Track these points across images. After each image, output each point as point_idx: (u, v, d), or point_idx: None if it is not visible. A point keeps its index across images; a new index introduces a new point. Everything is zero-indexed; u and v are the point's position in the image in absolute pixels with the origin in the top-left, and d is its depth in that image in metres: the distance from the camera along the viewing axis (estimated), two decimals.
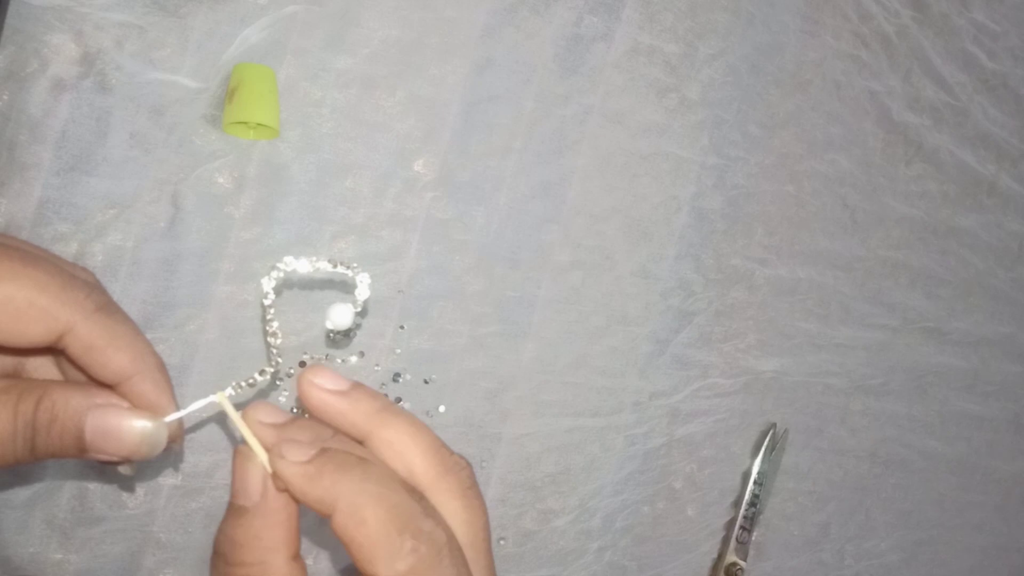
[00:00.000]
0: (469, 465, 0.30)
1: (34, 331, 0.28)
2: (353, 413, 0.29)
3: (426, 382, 0.49)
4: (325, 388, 0.29)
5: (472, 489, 0.29)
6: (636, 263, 0.55)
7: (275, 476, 0.27)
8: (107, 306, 0.30)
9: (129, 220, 0.42)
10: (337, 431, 0.29)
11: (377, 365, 0.48)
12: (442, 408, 0.50)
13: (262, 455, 0.28)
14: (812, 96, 0.60)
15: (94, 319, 0.29)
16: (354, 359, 0.47)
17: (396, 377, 0.48)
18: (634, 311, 0.55)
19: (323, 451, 0.27)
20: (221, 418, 0.44)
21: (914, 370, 0.68)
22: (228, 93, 0.42)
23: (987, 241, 0.71)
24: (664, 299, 0.56)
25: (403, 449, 0.28)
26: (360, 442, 0.29)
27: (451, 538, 0.27)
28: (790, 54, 0.59)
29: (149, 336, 0.32)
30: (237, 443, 0.31)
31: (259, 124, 0.43)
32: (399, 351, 0.48)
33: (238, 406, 0.30)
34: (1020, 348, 0.74)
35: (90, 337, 0.29)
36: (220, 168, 0.43)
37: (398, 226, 0.48)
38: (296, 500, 0.27)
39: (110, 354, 0.29)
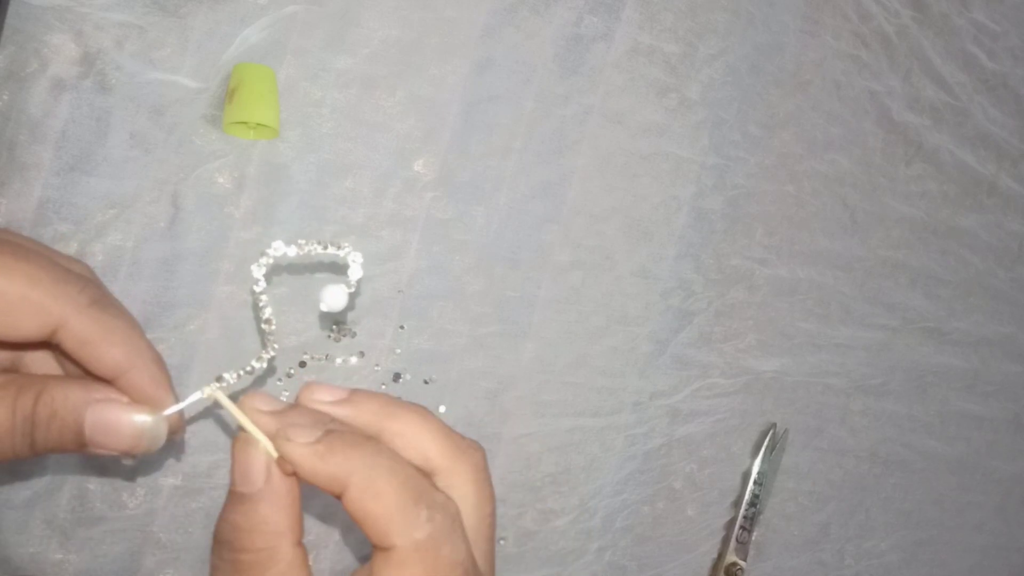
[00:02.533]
0: (481, 448, 0.30)
1: (27, 325, 0.28)
2: (359, 416, 0.29)
3: (426, 382, 0.49)
4: (326, 402, 0.29)
5: (484, 472, 0.30)
6: (636, 263, 0.55)
7: (281, 460, 0.27)
8: (101, 300, 0.30)
9: (129, 220, 0.42)
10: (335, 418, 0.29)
11: (377, 365, 0.48)
12: (442, 408, 0.50)
13: (264, 441, 0.28)
14: (812, 96, 0.60)
15: (88, 313, 0.29)
16: (354, 359, 0.47)
17: (396, 377, 0.48)
18: (634, 311, 0.55)
19: (329, 431, 0.27)
20: (221, 418, 0.44)
21: (914, 370, 0.68)
22: (228, 93, 0.42)
23: (987, 241, 0.71)
24: (664, 299, 0.56)
25: (415, 437, 0.29)
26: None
27: (459, 513, 0.27)
28: (790, 54, 0.59)
29: (149, 336, 0.32)
30: (235, 433, 0.31)
31: (259, 124, 0.43)
32: (399, 351, 0.48)
33: (235, 397, 0.30)
34: (1020, 348, 0.74)
35: (84, 332, 0.29)
36: (220, 168, 0.43)
37: (398, 226, 0.48)
38: (305, 481, 0.27)
39: (104, 349, 0.29)
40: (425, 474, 0.28)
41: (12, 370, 0.32)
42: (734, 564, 0.60)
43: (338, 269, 0.45)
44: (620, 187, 0.54)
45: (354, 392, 0.30)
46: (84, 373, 0.31)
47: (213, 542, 0.28)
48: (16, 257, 0.28)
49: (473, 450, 0.30)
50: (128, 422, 0.29)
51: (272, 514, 0.27)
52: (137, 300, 0.42)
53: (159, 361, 0.31)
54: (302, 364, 0.46)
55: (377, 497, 0.26)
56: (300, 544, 0.28)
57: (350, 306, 0.47)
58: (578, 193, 0.52)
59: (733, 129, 0.57)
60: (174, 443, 0.34)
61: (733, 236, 0.58)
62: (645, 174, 0.54)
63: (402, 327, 0.48)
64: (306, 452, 0.27)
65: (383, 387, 0.48)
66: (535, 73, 0.50)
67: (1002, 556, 0.76)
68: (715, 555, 0.60)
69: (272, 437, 0.28)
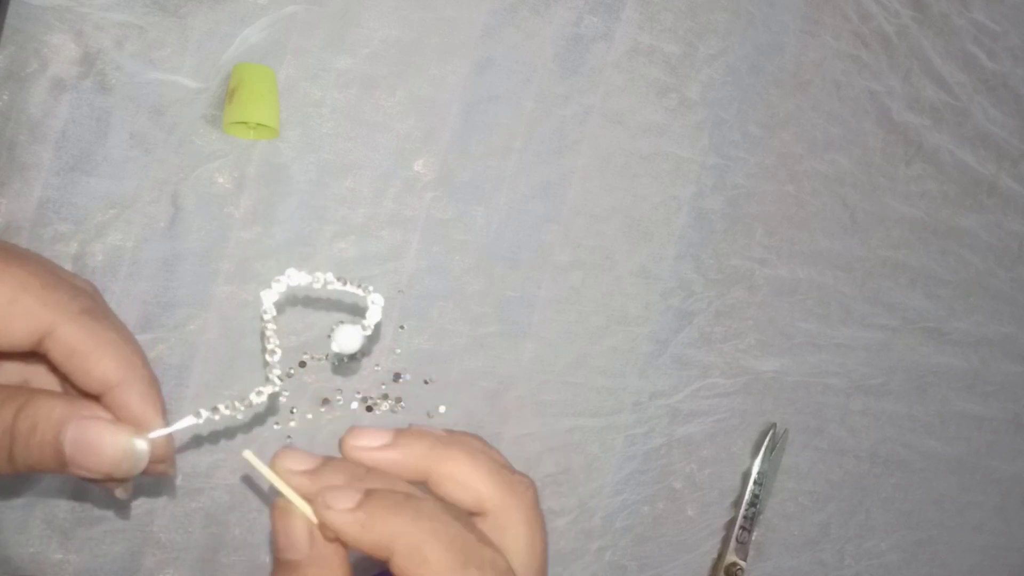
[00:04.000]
0: (533, 484, 0.29)
1: (14, 331, 0.27)
2: (406, 461, 0.28)
3: (426, 382, 0.49)
4: (371, 448, 0.28)
5: (535, 510, 0.29)
6: (636, 263, 0.55)
7: (323, 526, 0.26)
8: (93, 311, 0.28)
9: (129, 220, 0.42)
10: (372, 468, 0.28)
11: (377, 365, 0.48)
12: (442, 408, 0.50)
13: (304, 508, 0.27)
14: (812, 96, 0.60)
15: (78, 322, 0.28)
16: (354, 359, 0.47)
17: (396, 377, 0.48)
18: (634, 311, 0.55)
19: (368, 493, 0.26)
20: (220, 420, 0.44)
21: (914, 370, 0.68)
22: (228, 93, 0.42)
23: (987, 241, 0.71)
24: (664, 299, 0.56)
25: (466, 479, 0.28)
26: (421, 482, 0.28)
27: (509, 568, 0.26)
28: (790, 54, 0.59)
29: (149, 336, 0.31)
30: (270, 495, 0.29)
31: (259, 124, 0.43)
32: (399, 351, 0.48)
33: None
34: (1020, 348, 0.74)
35: (73, 340, 0.28)
36: (220, 168, 0.43)
37: (398, 226, 0.48)
38: (348, 547, 0.26)
39: (94, 360, 0.28)
40: (477, 513, 0.28)
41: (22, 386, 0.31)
42: (734, 564, 0.60)
43: (351, 306, 0.45)
44: (620, 187, 0.54)
45: (399, 434, 0.28)
46: (75, 390, 0.29)
47: None
48: (7, 262, 0.27)
49: (524, 487, 0.29)
50: (110, 441, 0.27)
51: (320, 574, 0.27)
52: (137, 300, 0.42)
53: (152, 381, 0.30)
54: (302, 364, 0.46)
55: (424, 564, 0.25)
56: None
57: (365, 349, 0.45)
58: (578, 193, 0.52)
59: (733, 129, 0.57)
60: (161, 473, 0.31)
61: (733, 236, 0.58)
62: (645, 174, 0.54)
63: (402, 327, 0.48)
64: (348, 520, 0.25)
65: (383, 387, 0.48)
66: (535, 73, 0.50)
67: (1002, 556, 0.76)
68: (715, 555, 0.60)
69: (311, 502, 0.26)
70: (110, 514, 0.43)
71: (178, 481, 0.44)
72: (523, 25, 0.49)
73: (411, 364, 0.49)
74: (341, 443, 0.28)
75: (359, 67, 0.46)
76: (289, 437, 0.46)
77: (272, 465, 0.27)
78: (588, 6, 0.51)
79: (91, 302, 0.29)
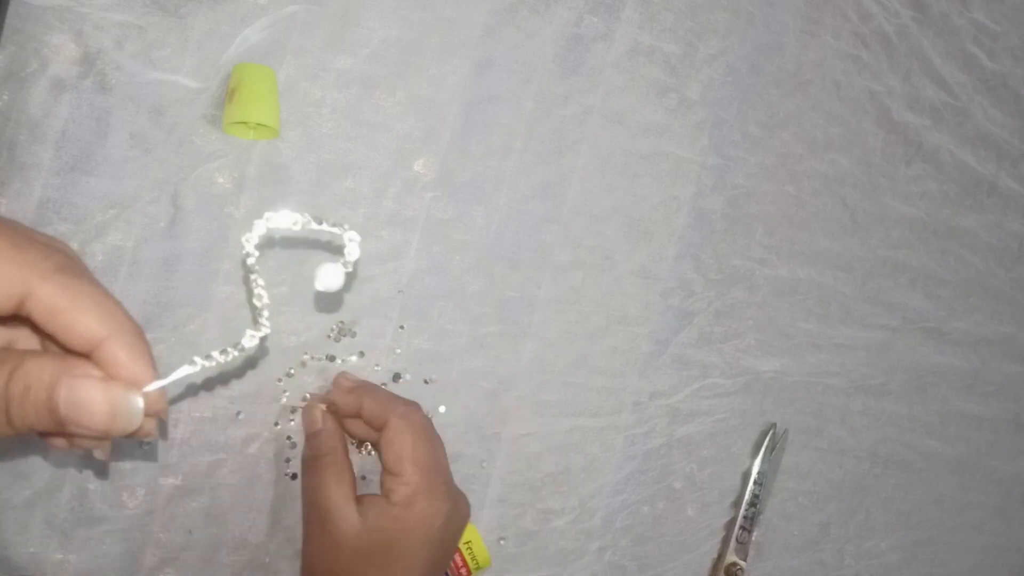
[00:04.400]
0: (419, 407, 0.45)
1: None
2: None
3: (426, 382, 0.49)
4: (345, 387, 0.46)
5: (422, 423, 0.45)
6: (636, 263, 0.55)
7: (330, 404, 0.45)
8: (69, 267, 0.28)
9: (129, 220, 0.42)
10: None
11: (377, 365, 0.48)
12: (442, 408, 0.50)
13: (321, 406, 0.45)
14: (812, 96, 0.60)
15: (54, 280, 0.27)
16: (354, 359, 0.47)
17: (396, 377, 0.48)
18: (634, 311, 0.55)
19: (359, 387, 0.45)
20: (220, 419, 0.44)
21: (914, 370, 0.68)
22: (228, 93, 0.42)
23: (987, 241, 0.71)
24: (664, 299, 0.56)
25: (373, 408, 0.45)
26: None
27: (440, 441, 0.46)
28: (790, 54, 0.59)
29: (150, 336, 0.31)
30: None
31: (259, 124, 0.43)
32: (399, 351, 0.48)
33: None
34: (1020, 348, 0.74)
35: (51, 299, 0.27)
36: (220, 168, 0.43)
37: (398, 226, 0.48)
38: (345, 414, 0.45)
39: (75, 316, 0.28)
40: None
41: (6, 348, 0.31)
42: (734, 564, 0.60)
43: (335, 250, 0.45)
44: (620, 187, 0.54)
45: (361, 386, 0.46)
46: (63, 351, 0.29)
47: (303, 460, 0.44)
48: None
49: (413, 410, 0.45)
50: (102, 398, 0.28)
51: (329, 436, 0.44)
52: (137, 300, 0.42)
53: (138, 332, 0.29)
54: (302, 364, 0.46)
55: (375, 401, 0.44)
56: (347, 450, 0.44)
57: (346, 287, 0.46)
58: (578, 193, 0.52)
59: (733, 129, 0.57)
60: (160, 425, 0.31)
61: (733, 236, 0.58)
62: (645, 174, 0.54)
63: (402, 327, 0.48)
64: (344, 397, 0.45)
65: (383, 387, 0.48)
66: (535, 73, 0.50)
67: (1002, 556, 0.76)
68: (715, 555, 0.60)
69: (323, 400, 0.45)
70: (110, 514, 0.43)
71: (178, 481, 0.44)
72: (523, 25, 0.49)
73: (411, 364, 0.49)
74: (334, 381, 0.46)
75: (359, 67, 0.46)
76: (289, 437, 0.46)
77: (333, 382, 0.46)
78: (588, 6, 0.51)
79: (65, 259, 0.28)
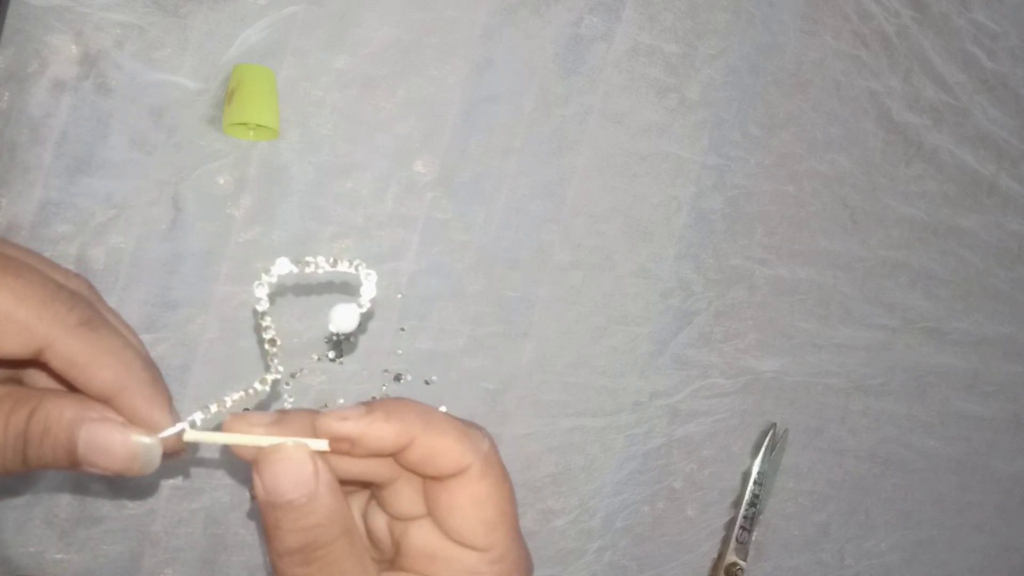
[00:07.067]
0: (488, 435, 0.31)
1: (11, 345, 0.27)
2: (394, 429, 0.29)
3: (427, 383, 0.49)
4: (353, 419, 0.28)
5: (499, 464, 0.31)
6: (636, 263, 0.55)
7: (335, 442, 0.27)
8: (92, 320, 0.28)
9: (130, 221, 0.42)
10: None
11: (380, 367, 0.48)
12: (443, 409, 0.50)
13: (316, 445, 0.27)
14: (812, 96, 0.60)
15: (76, 334, 0.28)
16: (354, 366, 0.47)
17: (397, 378, 0.48)
18: (634, 311, 0.55)
19: (369, 403, 0.28)
20: (219, 419, 0.44)
21: (914, 370, 0.68)
22: (228, 94, 0.42)
23: (987, 241, 0.71)
24: (664, 299, 0.56)
25: (448, 445, 0.30)
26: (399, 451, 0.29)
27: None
28: (790, 54, 0.59)
29: (150, 336, 0.31)
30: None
31: (259, 125, 0.43)
32: (400, 352, 0.48)
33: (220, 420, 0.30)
34: (1020, 348, 0.74)
35: (71, 353, 0.28)
36: (220, 169, 0.43)
37: (398, 226, 0.48)
38: (367, 453, 0.28)
39: (93, 371, 0.28)
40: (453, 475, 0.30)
41: (12, 382, 0.31)
42: (734, 564, 0.60)
43: (348, 288, 0.45)
44: (620, 187, 0.54)
45: (385, 404, 0.29)
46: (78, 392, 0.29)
47: (279, 562, 0.27)
48: (4, 271, 0.27)
49: (485, 440, 0.31)
50: (121, 443, 0.28)
51: (334, 501, 0.27)
52: (138, 301, 0.42)
53: (156, 381, 0.30)
54: (302, 369, 0.46)
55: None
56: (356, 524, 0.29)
57: (361, 328, 0.46)
58: (578, 193, 0.52)
59: (733, 129, 0.57)
60: (180, 461, 0.32)
61: (733, 236, 0.58)
62: (645, 174, 0.54)
63: (402, 328, 0.48)
64: (369, 420, 0.27)
65: (384, 388, 0.48)
66: (535, 73, 0.50)
67: (1002, 556, 0.76)
68: (715, 555, 0.60)
69: (316, 430, 0.27)
70: (110, 514, 0.43)
71: (178, 481, 0.44)
72: (523, 25, 0.49)
73: (412, 365, 0.49)
74: (318, 424, 0.28)
75: (359, 67, 0.46)
76: None
77: (228, 425, 0.28)
78: (588, 6, 0.51)
79: (89, 311, 0.29)
